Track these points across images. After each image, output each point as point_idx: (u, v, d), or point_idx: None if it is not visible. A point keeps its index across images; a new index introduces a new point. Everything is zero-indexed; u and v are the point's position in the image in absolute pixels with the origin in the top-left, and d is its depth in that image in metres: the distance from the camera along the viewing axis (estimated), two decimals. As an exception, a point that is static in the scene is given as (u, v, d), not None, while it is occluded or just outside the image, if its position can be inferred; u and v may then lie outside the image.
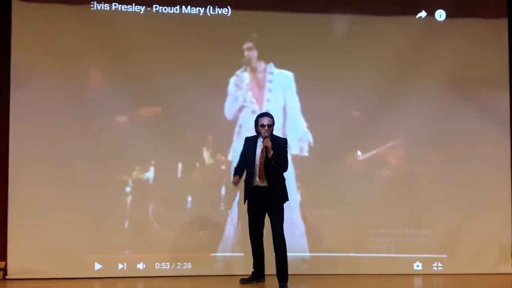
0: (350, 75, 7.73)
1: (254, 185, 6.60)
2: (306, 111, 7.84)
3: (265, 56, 7.78)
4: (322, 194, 7.77)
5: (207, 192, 7.69)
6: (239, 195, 7.58)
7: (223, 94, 7.77)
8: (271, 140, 6.55)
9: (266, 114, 6.65)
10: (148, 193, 7.66)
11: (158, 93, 7.64)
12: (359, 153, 7.84)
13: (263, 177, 6.51)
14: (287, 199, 6.78)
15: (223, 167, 7.72)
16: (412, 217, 7.77)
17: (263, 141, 6.48)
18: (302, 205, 7.79)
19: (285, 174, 6.84)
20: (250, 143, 6.78)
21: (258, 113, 7.04)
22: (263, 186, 6.56)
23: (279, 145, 6.55)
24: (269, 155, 6.35)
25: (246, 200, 6.73)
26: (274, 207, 6.61)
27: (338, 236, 7.69)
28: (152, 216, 7.61)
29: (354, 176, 7.83)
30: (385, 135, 7.88)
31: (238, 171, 6.76)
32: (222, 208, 7.72)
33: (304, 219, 7.79)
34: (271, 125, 6.57)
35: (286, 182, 6.85)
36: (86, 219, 7.42)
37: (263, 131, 6.53)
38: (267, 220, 6.87)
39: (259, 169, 6.51)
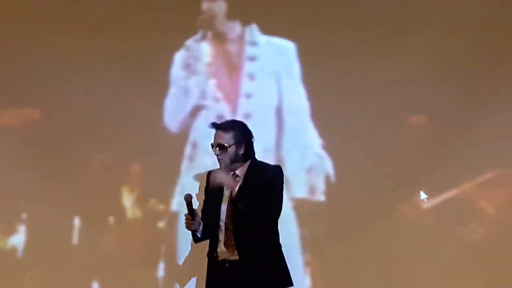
0: (404, 45, 6.02)
1: (220, 259, 4.84)
2: (321, 117, 6.10)
3: (241, 12, 6.11)
4: (353, 275, 5.90)
5: (129, 273, 5.87)
6: (195, 279, 5.79)
7: (162, 84, 6.06)
8: (249, 170, 4.93)
9: (220, 126, 5.01)
10: (15, 275, 5.97)
11: (34, 82, 6.04)
12: (423, 195, 6.03)
13: (231, 243, 4.81)
14: (290, 284, 4.95)
15: (161, 224, 5.98)
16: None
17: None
18: (314, 296, 6.05)
19: (283, 237, 5.05)
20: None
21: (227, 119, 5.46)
22: (233, 261, 4.82)
23: (263, 179, 4.90)
24: (232, 193, 4.82)
25: None
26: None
27: None
28: (23, 320, 6.06)
29: (414, 238, 5.96)
30: (473, 161, 6.00)
31: (199, 234, 5.04)
32: (160, 306, 6.11)
33: (320, 323, 6.05)
34: (225, 148, 4.93)
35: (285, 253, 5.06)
36: None
37: (216, 156, 5.00)
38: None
39: (226, 228, 4.82)
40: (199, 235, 4.99)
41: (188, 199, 4.97)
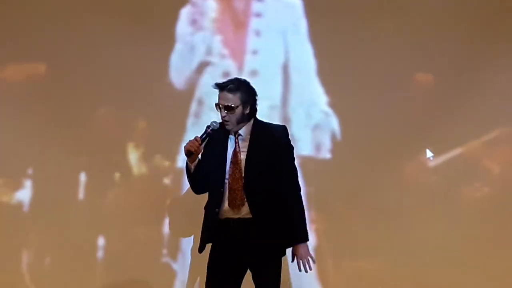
0: (412, 2, 5.98)
1: (223, 217, 4.77)
2: (327, 74, 6.01)
3: (248, -32, 6.17)
4: (358, 232, 5.89)
5: (134, 229, 5.91)
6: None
7: (168, 40, 6.00)
8: (254, 130, 4.85)
9: (226, 86, 4.85)
10: (21, 230, 5.95)
11: (39, 37, 5.92)
12: (429, 153, 6.01)
13: (235, 204, 4.71)
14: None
15: (166, 180, 5.98)
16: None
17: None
18: (319, 253, 5.81)
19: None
20: (216, 137, 4.99)
21: (233, 76, 5.30)
22: (237, 220, 4.77)
23: (272, 143, 4.86)
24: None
25: (210, 246, 4.91)
26: (265, 261, 4.71)
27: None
28: (28, 273, 5.86)
29: (419, 197, 5.93)
30: (479, 120, 5.96)
31: (198, 182, 4.95)
32: (165, 259, 5.89)
33: (324, 279, 5.90)
34: (232, 109, 4.81)
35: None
36: None
37: (222, 117, 4.90)
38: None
39: (230, 188, 4.73)
40: (192, 168, 4.86)
41: (213, 126, 4.86)
